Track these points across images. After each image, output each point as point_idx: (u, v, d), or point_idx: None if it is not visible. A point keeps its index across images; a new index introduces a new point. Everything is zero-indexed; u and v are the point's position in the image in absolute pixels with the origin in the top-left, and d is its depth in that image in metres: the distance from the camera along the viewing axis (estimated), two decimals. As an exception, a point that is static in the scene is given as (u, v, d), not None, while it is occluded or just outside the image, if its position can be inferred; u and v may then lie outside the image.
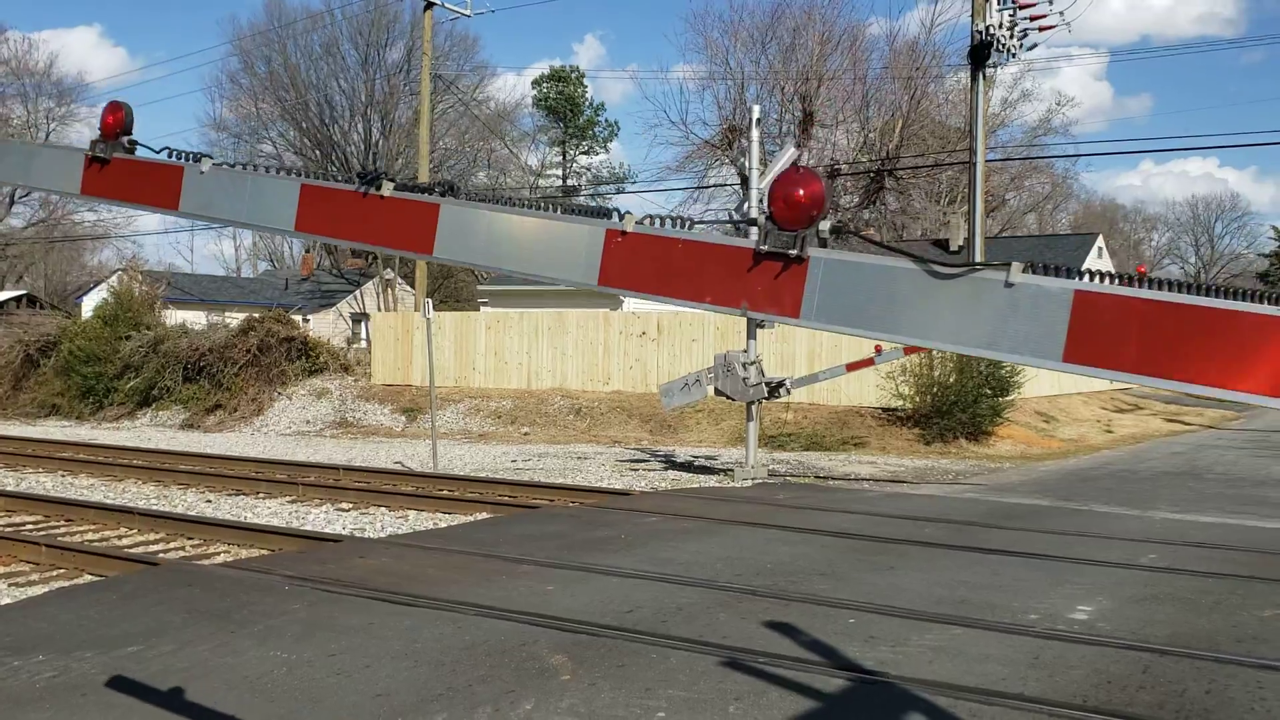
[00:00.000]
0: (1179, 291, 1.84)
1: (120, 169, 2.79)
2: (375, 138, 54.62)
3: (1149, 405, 31.27)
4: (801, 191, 2.05)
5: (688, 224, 2.25)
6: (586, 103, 76.22)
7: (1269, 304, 1.77)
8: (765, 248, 2.07)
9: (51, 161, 3.04)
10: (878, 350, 14.99)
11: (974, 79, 20.78)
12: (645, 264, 2.23)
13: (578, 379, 24.11)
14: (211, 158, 2.77)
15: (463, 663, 5.41)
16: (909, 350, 16.85)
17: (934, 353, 19.71)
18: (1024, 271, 1.93)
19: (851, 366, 15.74)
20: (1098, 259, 47.19)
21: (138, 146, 2.83)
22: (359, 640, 5.83)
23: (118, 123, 2.77)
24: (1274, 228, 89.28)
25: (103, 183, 2.83)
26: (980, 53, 20.14)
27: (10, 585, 8.01)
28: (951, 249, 44.89)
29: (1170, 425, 23.87)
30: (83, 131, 73.10)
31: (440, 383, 23.39)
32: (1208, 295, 1.82)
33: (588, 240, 2.29)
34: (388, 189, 2.47)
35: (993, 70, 20.92)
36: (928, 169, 33.65)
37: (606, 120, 77.65)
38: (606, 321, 24.47)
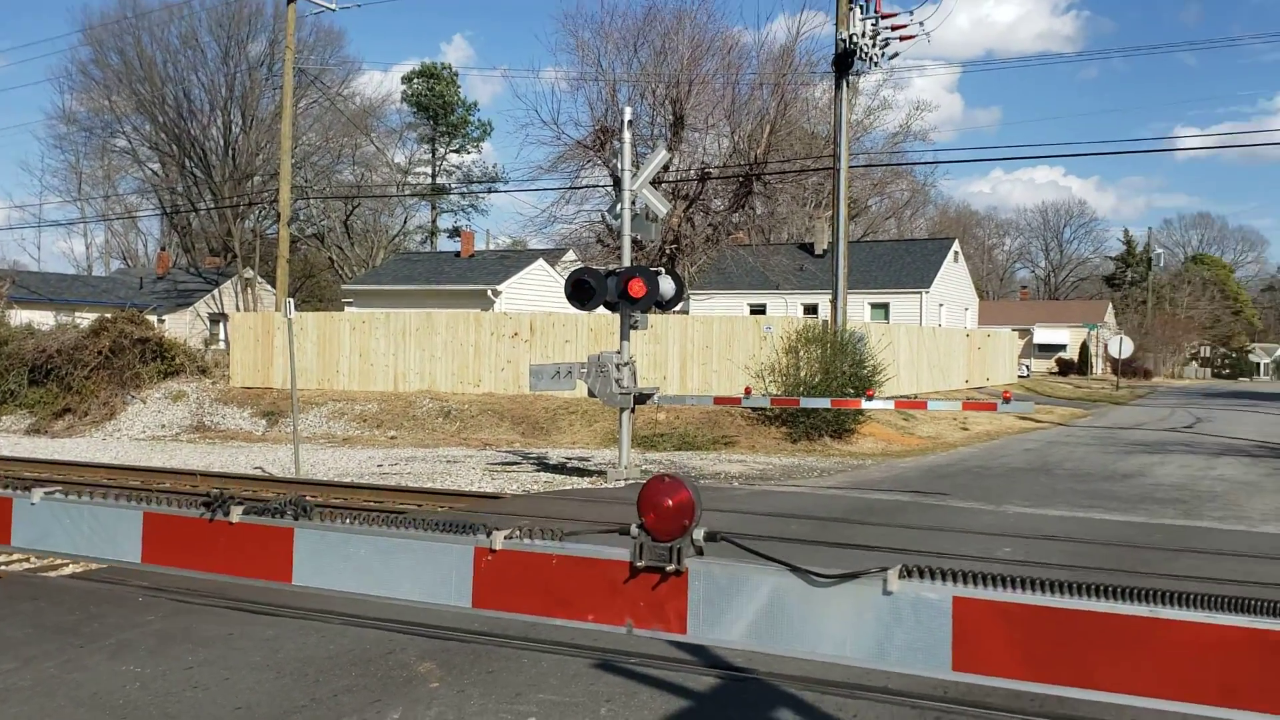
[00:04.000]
0: (1061, 594, 1.83)
1: None
2: (235, 133, 52.94)
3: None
4: (670, 501, 2.02)
5: (559, 535, 2.20)
6: (458, 101, 75.46)
7: (1164, 606, 1.77)
8: (642, 562, 2.04)
9: None
10: (746, 392, 15.31)
11: (838, 86, 21.28)
12: (520, 583, 2.15)
13: (447, 381, 23.80)
14: (46, 486, 2.58)
15: (327, 673, 5.28)
16: (776, 402, 17.27)
17: (800, 354, 20.13)
18: (901, 578, 1.91)
19: (719, 400, 16.04)
20: (953, 263, 48.95)
21: None
22: (218, 652, 5.63)
23: None
24: (1125, 231, 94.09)
25: None
26: (844, 61, 20.63)
27: None
28: (817, 253, 45.97)
29: (1023, 423, 24.88)
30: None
31: (303, 385, 22.81)
32: (1092, 598, 1.81)
33: (456, 560, 2.19)
34: (236, 514, 2.34)
35: (856, 78, 21.47)
36: (794, 174, 34.33)
37: (478, 120, 76.98)
38: (477, 322, 24.23)
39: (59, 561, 8.90)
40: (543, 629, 6.01)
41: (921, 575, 1.92)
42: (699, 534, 2.12)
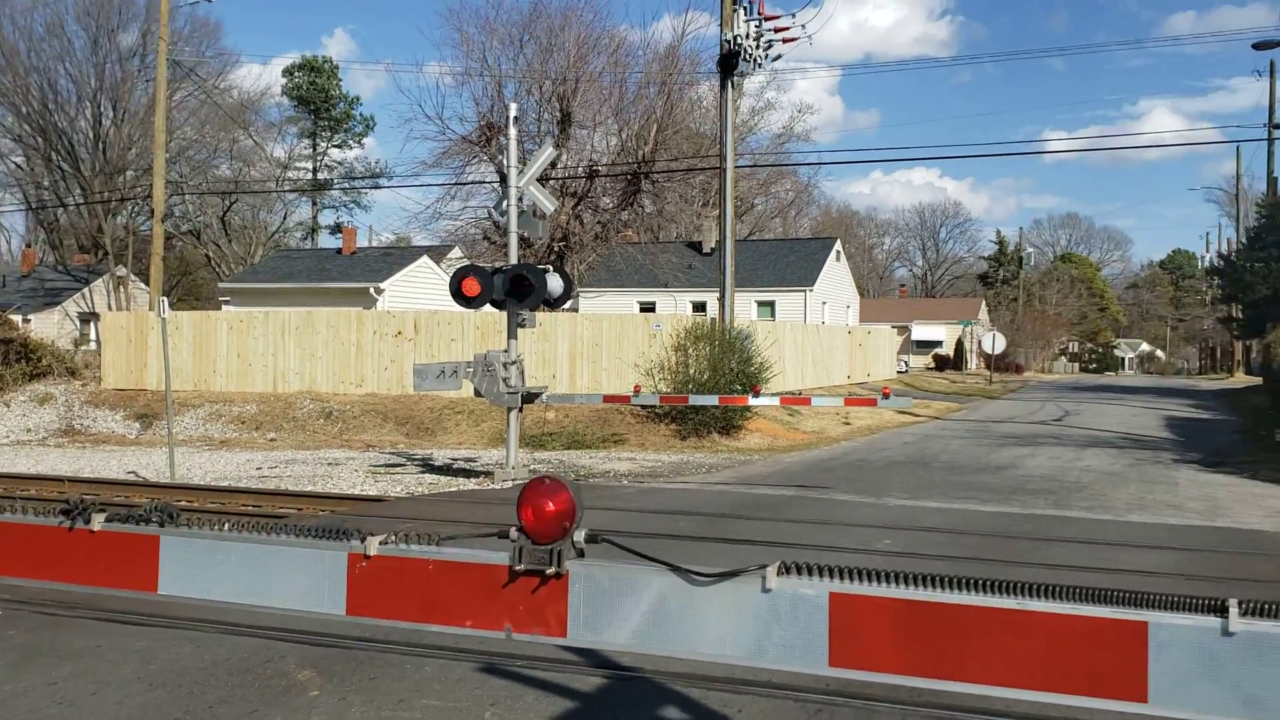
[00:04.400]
0: (934, 589, 1.85)
1: None
2: (106, 126, 50.94)
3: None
4: (550, 504, 2.00)
5: (436, 540, 2.16)
6: (340, 95, 74.02)
7: (1031, 598, 1.81)
8: (521, 566, 2.02)
9: None
10: (636, 390, 15.35)
11: (723, 87, 21.51)
12: (395, 589, 2.11)
13: (329, 381, 23.31)
14: None
15: (202, 684, 5.11)
16: (665, 400, 17.41)
17: (689, 352, 20.29)
18: (780, 575, 1.92)
19: (609, 399, 16.00)
20: (836, 262, 49.96)
21: None
22: (87, 664, 5.41)
23: None
24: (998, 231, 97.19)
25: None
26: (729, 61, 20.87)
27: None
28: (704, 251, 46.41)
29: (901, 417, 25.50)
30: None
31: (178, 387, 22.09)
32: (965, 591, 1.84)
33: (329, 566, 2.15)
34: (98, 522, 2.25)
35: (740, 79, 21.73)
36: (682, 173, 34.58)
37: (361, 114, 75.63)
38: (360, 321, 23.79)
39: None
40: (426, 635, 5.91)
41: (799, 572, 1.94)
42: (580, 536, 2.11)
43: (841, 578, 1.89)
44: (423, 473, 15.63)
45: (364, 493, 13.29)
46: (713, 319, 22.06)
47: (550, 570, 2.02)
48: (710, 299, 33.93)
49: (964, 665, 1.84)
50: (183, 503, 11.90)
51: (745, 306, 40.62)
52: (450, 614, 2.08)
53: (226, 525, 2.27)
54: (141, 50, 49.99)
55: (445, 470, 15.84)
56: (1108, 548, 9.35)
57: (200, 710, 4.76)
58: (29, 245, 56.29)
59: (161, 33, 29.84)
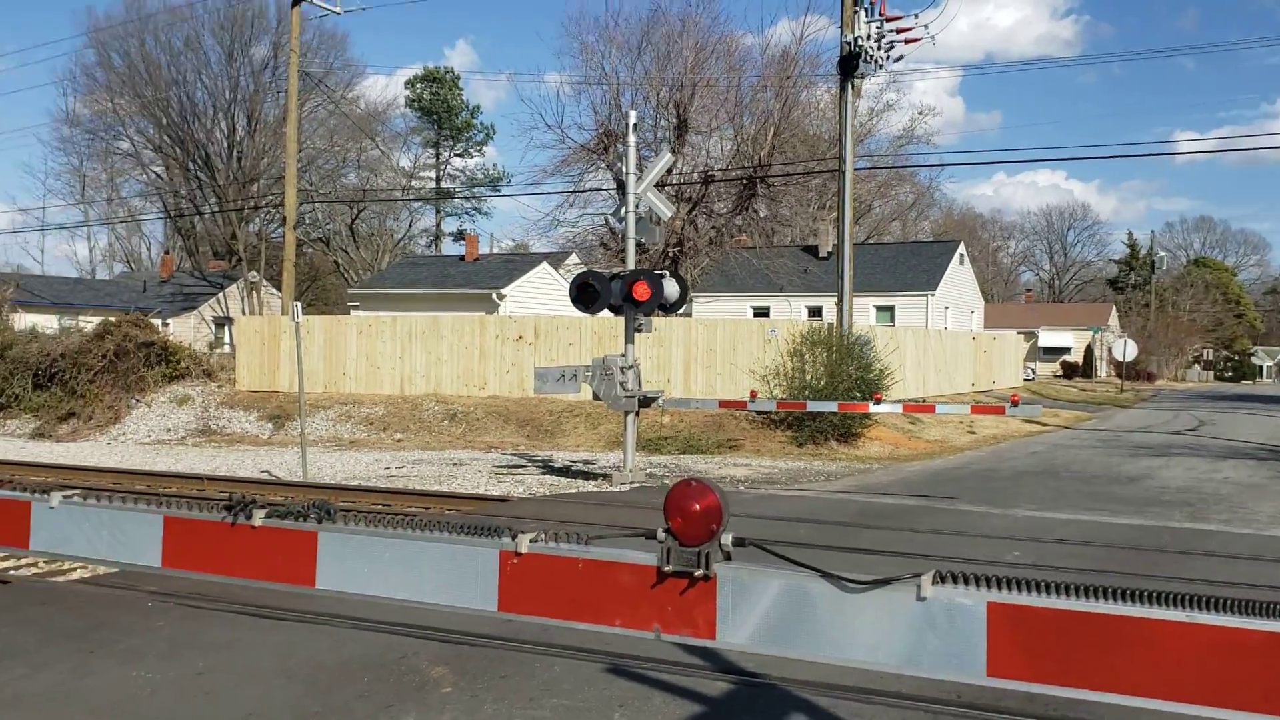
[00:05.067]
0: (1096, 599, 1.83)
1: None
2: (240, 136, 52.98)
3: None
4: (697, 506, 2.01)
5: (584, 539, 2.19)
6: (462, 105, 75.54)
7: (1184, 609, 1.77)
8: (669, 567, 2.03)
9: None
10: (752, 395, 15.26)
11: (842, 89, 21.27)
12: (545, 587, 2.15)
13: (453, 384, 23.80)
14: (60, 491, 2.57)
15: (339, 678, 5.26)
16: (782, 405, 17.28)
17: (805, 357, 20.11)
18: (935, 584, 1.90)
19: (724, 404, 15.92)
20: (959, 266, 48.91)
21: None
22: (228, 657, 5.61)
23: None
24: (1129, 233, 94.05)
25: None
26: (849, 63, 20.63)
27: None
28: (821, 255, 45.93)
29: (1029, 426, 24.83)
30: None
31: (309, 389, 22.80)
32: (1127, 603, 1.82)
33: (481, 564, 2.19)
34: (259, 518, 2.34)
35: (860, 81, 21.46)
36: (798, 176, 34.32)
37: (482, 124, 77.05)
38: (482, 326, 24.22)
39: (68, 566, 8.89)
40: (555, 632, 5.98)
41: (955, 581, 1.90)
42: (727, 539, 2.10)
43: (999, 587, 1.85)
44: (543, 474, 15.83)
45: (488, 493, 13.51)
46: (830, 324, 21.82)
47: (699, 572, 2.02)
48: (827, 304, 33.58)
49: (1118, 676, 1.79)
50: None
51: (864, 311, 40.03)
52: (600, 612, 2.10)
53: (377, 523, 2.33)
54: (273, 62, 51.84)
55: (565, 472, 16.01)
56: (1250, 563, 8.93)
57: (337, 705, 4.90)
58: (168, 252, 58.85)
59: (293, 45, 30.88)
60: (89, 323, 27.40)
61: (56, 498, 2.48)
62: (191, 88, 52.77)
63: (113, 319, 25.83)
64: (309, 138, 52.29)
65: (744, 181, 31.74)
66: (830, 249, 41.37)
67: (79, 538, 2.51)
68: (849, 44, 20.35)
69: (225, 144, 53.24)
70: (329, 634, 5.99)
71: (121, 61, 52.93)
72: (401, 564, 2.27)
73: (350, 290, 48.41)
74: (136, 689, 5.15)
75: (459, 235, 69.71)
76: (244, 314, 41.63)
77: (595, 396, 13.95)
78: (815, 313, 40.89)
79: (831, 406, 17.11)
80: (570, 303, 13.58)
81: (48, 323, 30.00)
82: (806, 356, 20.18)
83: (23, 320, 29.11)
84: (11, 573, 8.38)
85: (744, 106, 32.66)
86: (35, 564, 8.96)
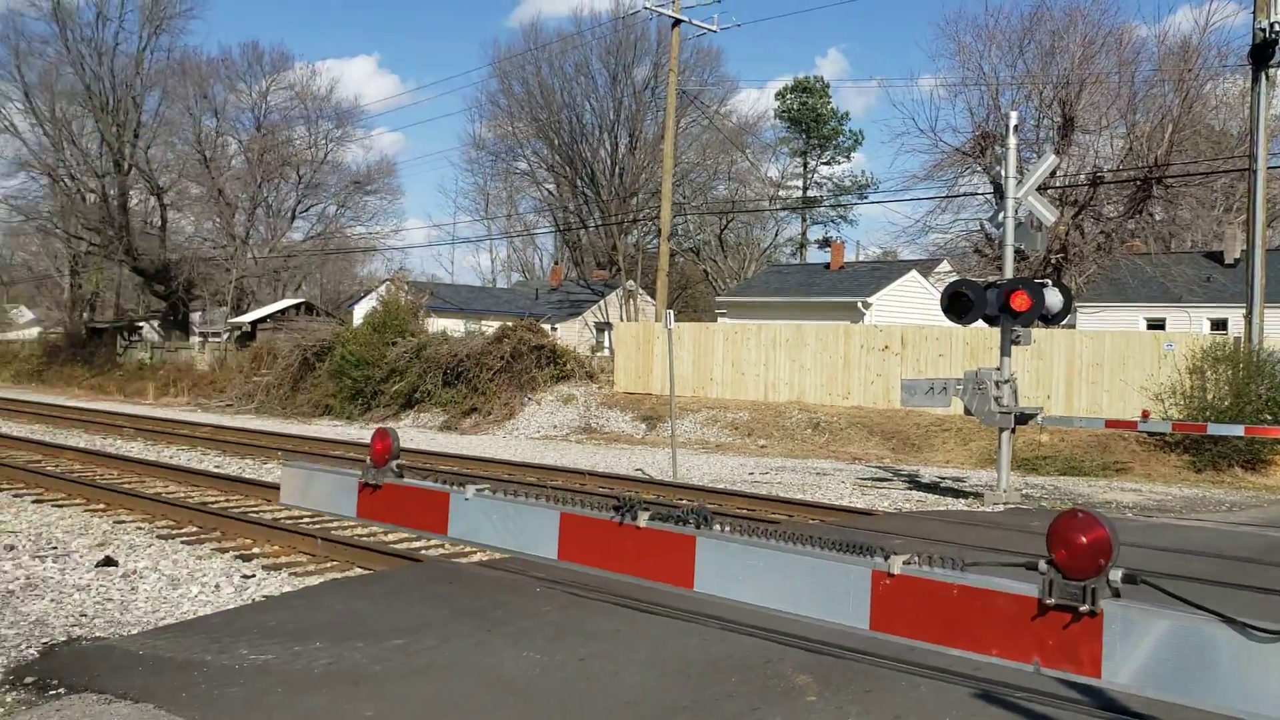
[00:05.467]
0: None
1: (391, 494, 2.93)
2: (622, 153, 56.07)
3: None
4: (1084, 538, 1.93)
5: (960, 565, 2.16)
6: (830, 113, 75.55)
7: None
8: (1052, 600, 1.97)
9: (328, 486, 3.23)
10: (1144, 415, 14.13)
11: (1254, 80, 19.22)
12: (919, 609, 2.15)
13: (816, 392, 23.87)
14: (475, 483, 2.86)
15: (708, 676, 5.45)
16: (1178, 427, 15.86)
17: (1207, 375, 18.35)
18: None
19: (1111, 424, 14.87)
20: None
21: (405, 471, 2.97)
22: (607, 646, 5.97)
23: (386, 449, 2.92)
24: None
25: (376, 506, 2.99)
26: (1262, 52, 18.62)
27: (290, 575, 8.68)
28: (1226, 262, 41.62)
29: None
30: (357, 153, 78.64)
31: (679, 392, 23.71)
32: None
33: (853, 581, 2.23)
34: (643, 519, 2.49)
35: (1276, 70, 19.29)
36: (1200, 176, 31.34)
37: (850, 130, 76.66)
38: (847, 335, 24.12)
39: (469, 549, 9.81)
40: (919, 652, 5.86)
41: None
42: (1116, 575, 2.00)
43: None
44: (909, 489, 15.51)
45: (852, 505, 13.44)
46: (1236, 338, 19.75)
47: (1083, 608, 1.94)
48: (1233, 316, 30.41)
49: None
50: (684, 500, 12.76)
51: (1277, 325, 35.83)
52: (975, 640, 2.06)
53: (749, 531, 2.42)
54: (653, 82, 54.39)
55: (932, 488, 15.59)
56: None
57: (707, 701, 5.08)
58: (557, 262, 63.36)
59: (672, 65, 32.27)
60: (489, 327, 30.08)
61: (470, 490, 2.77)
62: (580, 110, 56.55)
63: (509, 324, 28.20)
64: (684, 152, 54.36)
65: (1137, 182, 29.45)
66: (1238, 255, 37.41)
67: (488, 528, 2.79)
68: (1262, 30, 18.36)
69: (609, 161, 56.55)
70: (699, 632, 6.22)
71: (520, 88, 57.71)
72: (774, 573, 2.34)
73: (718, 298, 49.83)
74: (527, 668, 5.60)
75: (824, 243, 69.76)
76: (621, 320, 43.96)
77: (967, 411, 13.49)
78: (1219, 326, 37.11)
79: (1237, 430, 15.48)
80: (941, 312, 13.22)
81: (455, 327, 33.22)
82: (1208, 374, 18.41)
83: (435, 324, 32.41)
84: (422, 552, 9.36)
85: (1137, 102, 30.32)
86: (441, 545, 9.96)
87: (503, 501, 2.78)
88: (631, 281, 51.40)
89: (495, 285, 68.80)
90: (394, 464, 2.95)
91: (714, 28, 31.92)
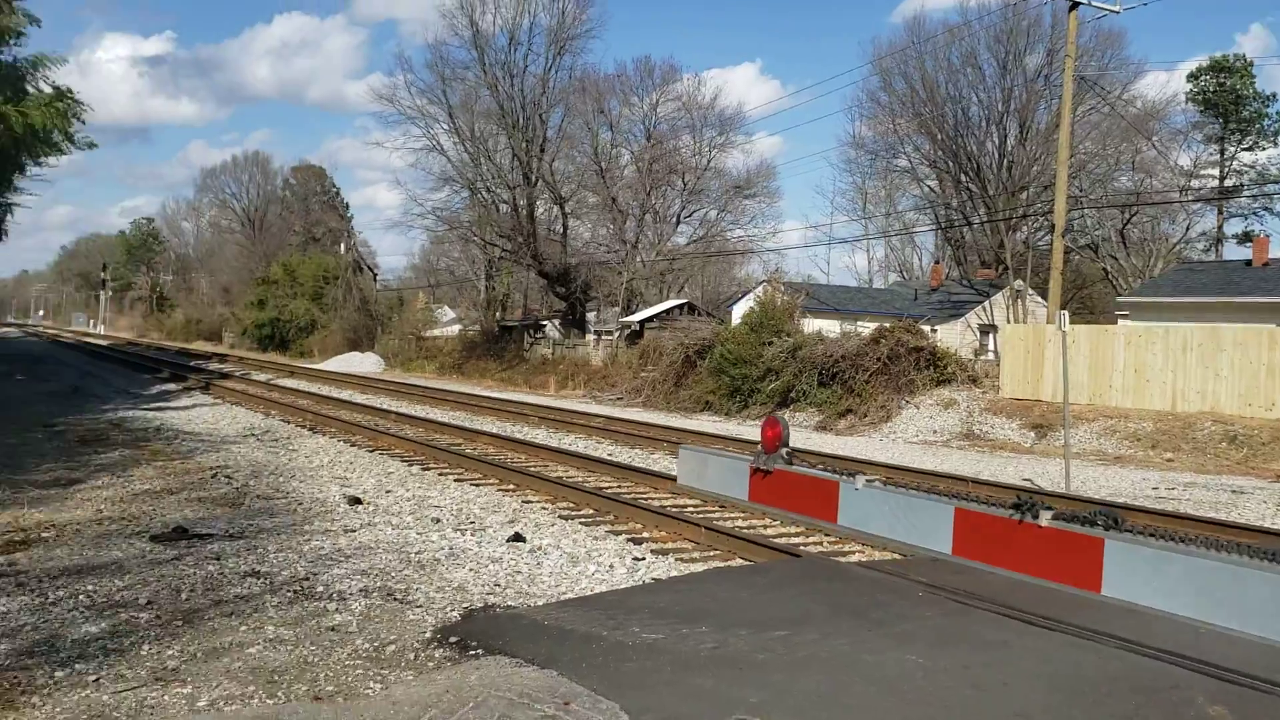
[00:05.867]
0: None
1: (781, 480, 3.03)
2: (1010, 146, 53.57)
3: None
4: None
5: None
6: (1252, 94, 67.97)
7: None
8: None
9: (722, 469, 3.38)
10: None
11: None
12: None
13: (1233, 402, 21.57)
14: (864, 474, 2.89)
15: (1106, 695, 5.13)
16: None
17: None
18: None
19: None
20: None
21: (795, 459, 3.06)
22: (994, 656, 5.78)
23: (776, 436, 3.02)
24: None
25: (766, 491, 3.10)
26: None
27: (677, 560, 9.09)
28: None
29: None
30: (738, 158, 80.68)
31: (1072, 399, 22.29)
32: None
33: None
34: (1045, 518, 2.41)
35: None
36: None
37: (1276, 112, 68.46)
38: (1272, 340, 21.60)
39: (848, 549, 9.81)
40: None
41: None
42: None
43: None
44: (1347, 513, 13.65)
45: (1274, 527, 12.05)
46: None
47: None
48: None
49: None
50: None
51: None
52: None
53: (1163, 537, 2.27)
54: (1046, 69, 51.53)
55: (1377, 514, 13.64)
56: None
57: (1104, 722, 4.79)
58: (937, 262, 61.57)
59: (1068, 49, 30.40)
60: (865, 328, 29.82)
61: (860, 480, 2.80)
62: (966, 102, 54.61)
63: (886, 325, 27.80)
64: (1080, 142, 50.99)
65: None
66: None
67: (878, 518, 2.80)
68: None
69: (995, 155, 54.22)
70: (1094, 649, 5.86)
71: (902, 84, 56.64)
72: (1195, 582, 2.19)
73: (1118, 299, 46.26)
74: (909, 670, 5.54)
75: (1245, 238, 62.81)
76: (1008, 322, 42.02)
77: None
78: None
79: None
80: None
81: (830, 327, 33.21)
82: None
83: (810, 324, 32.57)
84: (801, 547, 9.48)
85: None
86: (820, 543, 10.03)
87: (894, 493, 2.80)
88: (1019, 281, 48.95)
89: (871, 285, 68.04)
90: (784, 451, 3.04)
91: (1116, 9, 29.71)
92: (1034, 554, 2.11)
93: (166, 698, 5.21)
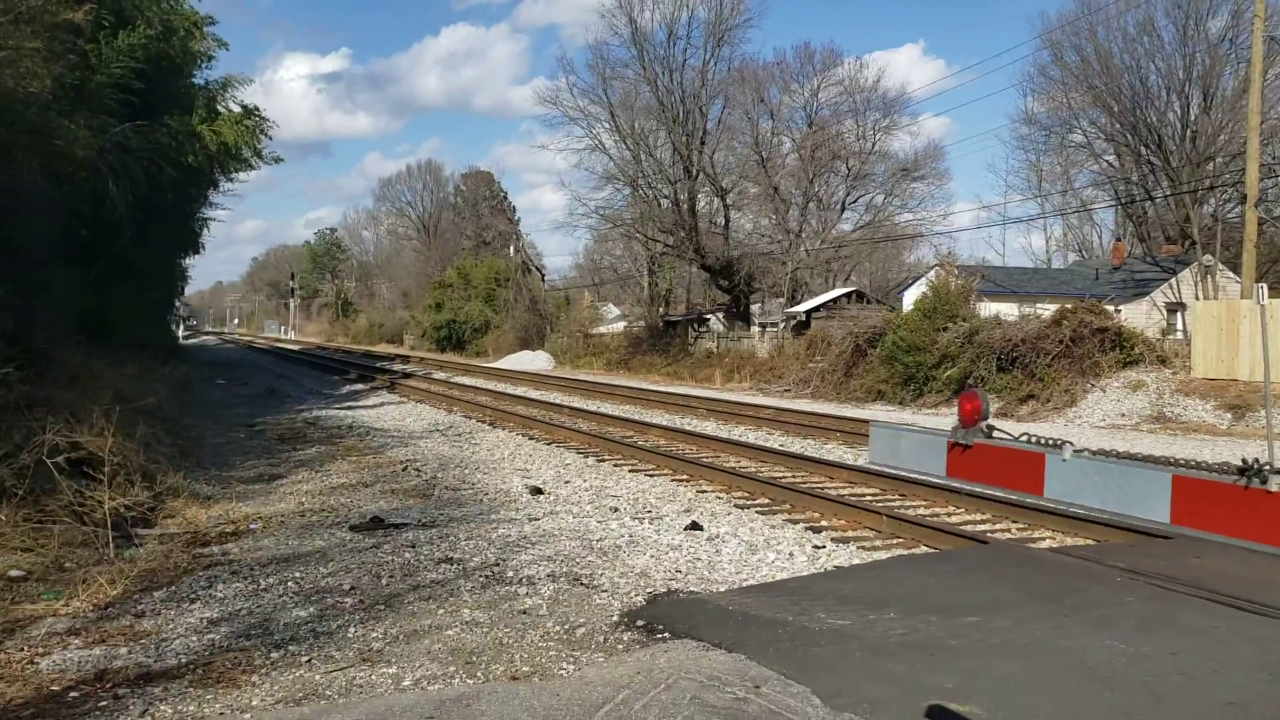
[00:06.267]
0: None
1: (981, 454, 2.97)
2: (1194, 115, 50.66)
3: None
4: None
5: None
6: None
7: None
8: None
9: (916, 445, 3.34)
10: None
11: None
12: None
13: None
14: (1071, 444, 2.79)
15: (1330, 686, 4.83)
16: None
17: None
18: None
19: None
20: None
21: (995, 431, 2.98)
22: (1202, 643, 5.51)
23: (975, 410, 2.95)
24: None
25: (965, 466, 3.04)
26: None
27: (858, 548, 9.00)
28: None
29: None
30: (904, 140, 78.67)
31: (1274, 377, 20.96)
32: None
33: None
34: (1275, 483, 2.30)
35: None
36: None
37: None
38: None
39: (1037, 535, 9.53)
40: None
41: None
42: None
43: None
44: None
45: None
46: None
47: None
48: None
49: None
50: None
51: None
52: None
53: None
54: (1232, 31, 48.51)
55: None
56: None
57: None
58: (1118, 239, 58.77)
59: (1256, 9, 28.55)
60: (1045, 310, 28.73)
61: (1068, 451, 2.72)
62: (1144, 72, 51.92)
63: (1068, 306, 26.73)
64: (1271, 107, 47.75)
65: None
66: None
67: (1088, 489, 2.73)
68: None
69: (1178, 125, 51.37)
70: (1315, 638, 5.52)
71: (1074, 56, 54.27)
72: None
73: (1323, 270, 43.19)
74: (1111, 656, 5.34)
75: None
76: (1197, 299, 39.84)
77: None
78: None
79: None
80: None
81: (1007, 310, 32.12)
82: None
83: (986, 308, 31.61)
84: (988, 534, 9.25)
85: None
86: (1008, 530, 9.77)
87: (1106, 463, 2.71)
88: (1209, 256, 46.28)
89: (1050, 266, 65.49)
90: (983, 424, 2.98)
91: (1313, -41, 27.74)
92: (1262, 521, 2.02)
93: (374, 677, 5.48)
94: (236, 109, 27.02)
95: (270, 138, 27.14)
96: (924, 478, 9.57)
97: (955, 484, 8.42)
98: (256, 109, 26.87)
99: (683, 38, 48.38)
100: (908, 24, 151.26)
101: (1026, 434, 2.62)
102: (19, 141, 13.53)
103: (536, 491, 11.86)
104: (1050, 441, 2.61)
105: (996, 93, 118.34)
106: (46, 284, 15.21)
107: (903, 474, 9.79)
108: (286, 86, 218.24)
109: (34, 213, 14.62)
